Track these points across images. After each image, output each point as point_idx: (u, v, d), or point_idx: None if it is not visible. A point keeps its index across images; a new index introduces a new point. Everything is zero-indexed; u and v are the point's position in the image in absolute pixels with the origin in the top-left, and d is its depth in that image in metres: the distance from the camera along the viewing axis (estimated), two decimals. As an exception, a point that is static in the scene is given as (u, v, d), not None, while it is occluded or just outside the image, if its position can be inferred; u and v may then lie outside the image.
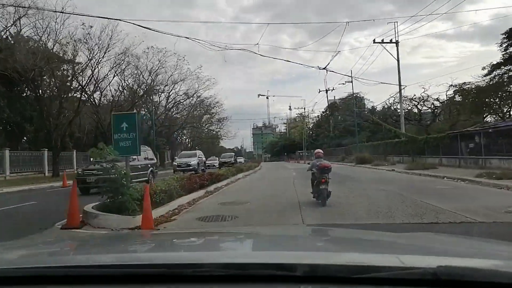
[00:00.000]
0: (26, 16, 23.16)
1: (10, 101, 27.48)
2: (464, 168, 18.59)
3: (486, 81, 30.79)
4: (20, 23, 24.18)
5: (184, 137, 70.44)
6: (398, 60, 34.51)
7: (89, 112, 33.67)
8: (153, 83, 40.55)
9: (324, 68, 21.92)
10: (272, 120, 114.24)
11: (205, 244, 1.99)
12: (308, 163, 15.42)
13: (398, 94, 35.01)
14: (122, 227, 6.36)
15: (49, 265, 1.29)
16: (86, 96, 31.70)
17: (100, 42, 26.85)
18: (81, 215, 7.00)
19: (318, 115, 68.99)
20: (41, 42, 25.32)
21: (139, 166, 15.17)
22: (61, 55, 26.85)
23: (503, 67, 29.76)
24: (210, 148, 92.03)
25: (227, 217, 7.38)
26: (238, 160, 57.23)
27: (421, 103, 44.21)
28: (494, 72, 30.56)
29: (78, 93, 30.23)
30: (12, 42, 24.53)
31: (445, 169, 18.44)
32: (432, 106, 43.36)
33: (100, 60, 27.30)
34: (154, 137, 35.24)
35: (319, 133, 65.88)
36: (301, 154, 61.45)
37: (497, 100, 31.83)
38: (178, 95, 45.31)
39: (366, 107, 50.56)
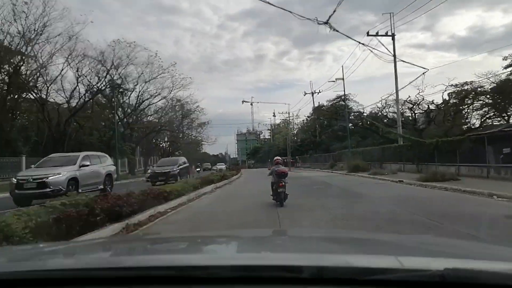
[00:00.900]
0: None
1: None
2: (496, 180, 14.44)
3: (507, 73, 26.87)
4: None
5: (163, 142, 65.02)
6: (394, 55, 30.62)
7: (40, 112, 28.60)
8: (123, 80, 35.66)
9: (326, 23, 17.24)
10: (257, 126, 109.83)
11: (212, 246, 1.97)
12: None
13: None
14: None
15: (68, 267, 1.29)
16: (35, 93, 26.73)
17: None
18: None
19: (304, 120, 64.71)
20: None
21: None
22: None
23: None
24: (192, 154, 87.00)
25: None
26: (218, 167, 52.24)
27: (415, 106, 40.66)
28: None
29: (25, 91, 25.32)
30: None
31: (471, 181, 14.24)
32: (428, 109, 39.78)
33: (35, 39, 22.15)
34: (116, 141, 30.17)
35: (304, 139, 61.54)
36: (285, 160, 56.72)
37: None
38: (150, 95, 40.21)
39: (354, 110, 46.19)
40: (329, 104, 47.23)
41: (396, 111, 43.56)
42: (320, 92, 54.98)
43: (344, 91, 33.32)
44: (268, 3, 14.67)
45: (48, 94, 29.42)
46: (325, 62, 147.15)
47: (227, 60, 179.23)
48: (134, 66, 35.42)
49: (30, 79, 26.75)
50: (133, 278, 1.14)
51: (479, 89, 31.72)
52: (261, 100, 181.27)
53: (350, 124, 42.55)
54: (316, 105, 54.37)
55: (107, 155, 16.49)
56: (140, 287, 1.11)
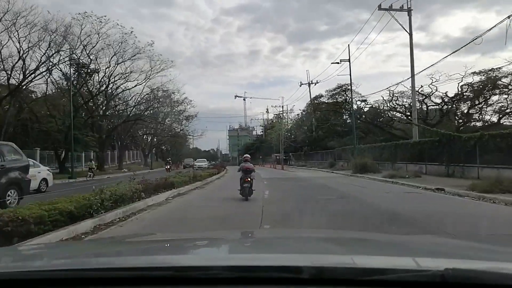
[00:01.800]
0: None
1: None
2: None
3: None
4: None
5: (144, 135, 59.20)
6: (410, 34, 25.73)
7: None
8: (92, 61, 30.04)
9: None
10: (249, 122, 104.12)
11: (211, 247, 1.92)
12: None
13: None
14: None
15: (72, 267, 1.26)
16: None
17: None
18: None
19: (299, 114, 59.40)
20: None
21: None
22: None
23: None
24: (179, 149, 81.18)
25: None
26: (197, 164, 45.93)
27: (427, 98, 35.68)
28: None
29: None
30: None
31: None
32: (442, 101, 34.82)
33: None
34: (71, 130, 24.70)
35: (298, 135, 56.24)
36: (277, 157, 51.16)
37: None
38: (123, 78, 34.43)
39: (358, 100, 40.54)
40: (329, 94, 41.90)
41: (403, 104, 38.85)
42: (317, 82, 49.87)
43: (350, 74, 27.79)
44: None
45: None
46: (319, 60, 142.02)
47: (220, 55, 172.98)
48: (105, 45, 29.79)
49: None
50: (130, 278, 1.11)
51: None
52: (255, 96, 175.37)
53: (356, 119, 37.16)
54: (313, 98, 49.19)
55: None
56: None
